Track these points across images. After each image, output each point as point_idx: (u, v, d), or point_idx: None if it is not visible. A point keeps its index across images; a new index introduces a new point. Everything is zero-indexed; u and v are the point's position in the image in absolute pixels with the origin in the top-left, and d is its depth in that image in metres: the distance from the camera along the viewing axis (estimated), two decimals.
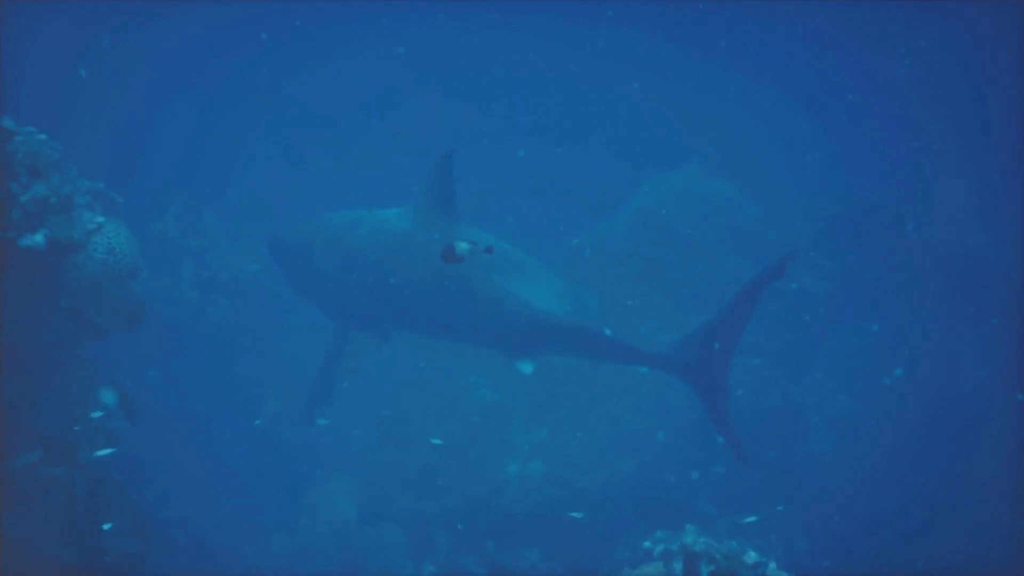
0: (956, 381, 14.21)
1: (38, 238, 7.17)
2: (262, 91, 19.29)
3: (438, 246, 9.54)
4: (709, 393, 9.19)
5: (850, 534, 12.86)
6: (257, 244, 12.73)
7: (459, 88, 19.44)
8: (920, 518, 12.99)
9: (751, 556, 6.65)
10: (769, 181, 16.12)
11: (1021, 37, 14.85)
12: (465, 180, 10.21)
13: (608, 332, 9.47)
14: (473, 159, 14.23)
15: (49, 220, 7.28)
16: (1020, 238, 14.46)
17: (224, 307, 14.78)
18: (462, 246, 6.33)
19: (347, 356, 11.53)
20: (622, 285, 14.84)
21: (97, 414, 8.15)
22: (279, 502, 14.29)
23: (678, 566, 6.87)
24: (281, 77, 19.45)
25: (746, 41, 18.32)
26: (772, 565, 6.33)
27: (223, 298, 14.80)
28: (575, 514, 12.15)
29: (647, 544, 8.13)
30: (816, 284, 14.69)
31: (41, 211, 7.27)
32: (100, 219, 7.52)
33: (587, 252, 15.18)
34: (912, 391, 14.29)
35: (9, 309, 7.44)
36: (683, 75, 19.33)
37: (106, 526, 7.79)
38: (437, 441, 12.74)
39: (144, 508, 8.60)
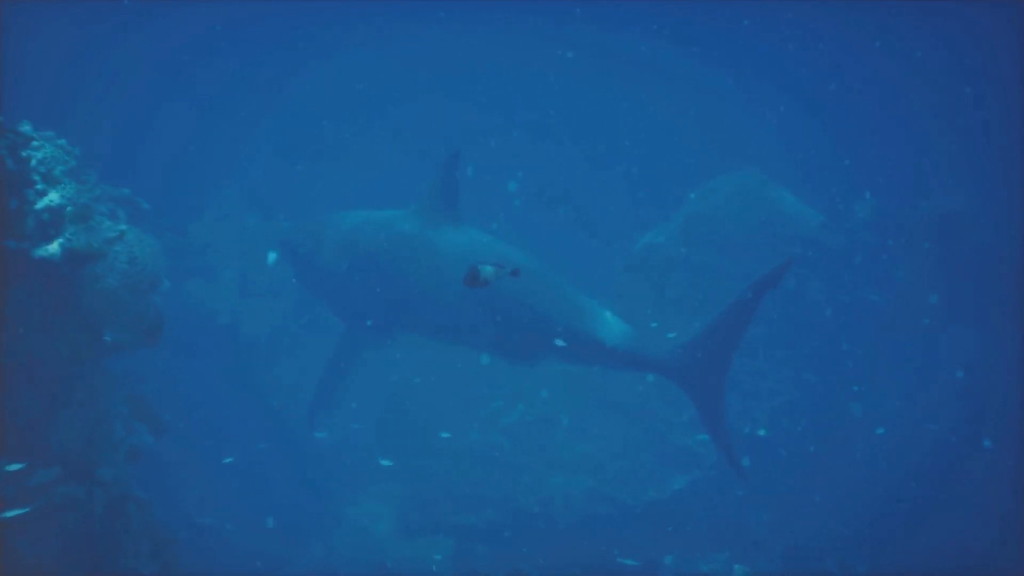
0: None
1: (53, 248, 6.83)
2: (262, 91, 19.21)
3: (442, 246, 9.77)
4: (704, 400, 9.17)
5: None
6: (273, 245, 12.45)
7: (460, 89, 19.31)
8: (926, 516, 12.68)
9: None
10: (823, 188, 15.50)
11: (1021, 37, 14.54)
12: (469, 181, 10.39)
13: (603, 336, 9.35)
14: (476, 160, 14.35)
15: (66, 229, 6.93)
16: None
17: (263, 311, 14.50)
18: (487, 270, 5.76)
19: (359, 359, 11.16)
20: (673, 293, 14.32)
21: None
22: (316, 511, 13.98)
23: None
24: (281, 77, 19.39)
25: (749, 43, 18.05)
26: None
27: (262, 302, 14.51)
28: None
29: None
30: (878, 295, 13.97)
31: (57, 220, 6.93)
32: (122, 227, 7.16)
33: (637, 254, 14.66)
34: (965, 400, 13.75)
35: (24, 321, 7.12)
36: (690, 79, 19.12)
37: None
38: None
39: (167, 527, 8.25)
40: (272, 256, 12.09)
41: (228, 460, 11.90)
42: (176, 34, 16.99)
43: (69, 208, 6.97)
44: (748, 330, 9.12)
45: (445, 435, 12.62)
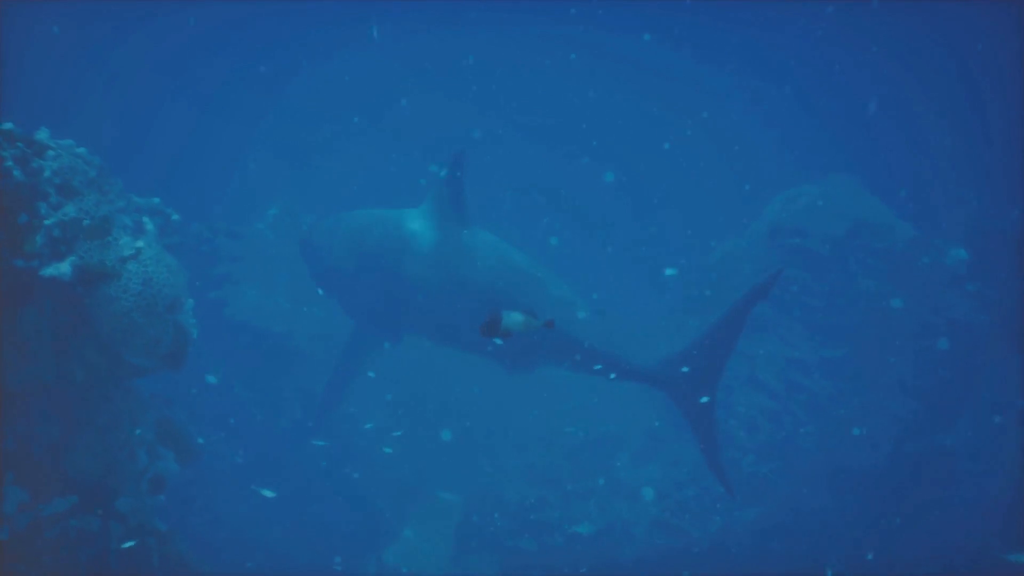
0: None
1: (64, 267, 6.30)
2: (262, 91, 19.13)
3: (448, 248, 9.68)
4: (694, 413, 8.91)
5: None
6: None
7: (462, 90, 19.21)
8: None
9: None
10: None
11: (1021, 37, 14.39)
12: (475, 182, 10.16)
13: (596, 343, 9.23)
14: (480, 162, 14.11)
15: (80, 245, 6.41)
16: None
17: (317, 319, 13.99)
18: (513, 319, 4.87)
19: (367, 360, 11.30)
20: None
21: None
22: (368, 528, 13.47)
23: None
24: (281, 77, 19.31)
25: (749, 41, 17.86)
26: None
27: (316, 309, 13.99)
28: None
29: None
30: (975, 316, 12.84)
31: (70, 235, 6.41)
32: (139, 244, 6.59)
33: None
34: None
35: (38, 343, 6.63)
36: (690, 79, 18.96)
37: None
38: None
39: (192, 562, 7.74)
40: None
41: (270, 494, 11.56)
42: (176, 34, 16.91)
43: (86, 221, 6.45)
44: (736, 344, 8.88)
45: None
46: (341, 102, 19.47)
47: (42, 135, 6.67)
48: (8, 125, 6.43)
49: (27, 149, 6.36)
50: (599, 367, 9.25)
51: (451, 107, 19.03)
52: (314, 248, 11.12)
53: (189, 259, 13.57)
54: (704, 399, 8.82)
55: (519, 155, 18.64)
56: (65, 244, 6.38)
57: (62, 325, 6.64)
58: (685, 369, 8.84)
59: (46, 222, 6.31)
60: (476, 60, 18.66)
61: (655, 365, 9.06)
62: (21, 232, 6.26)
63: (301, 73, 19.28)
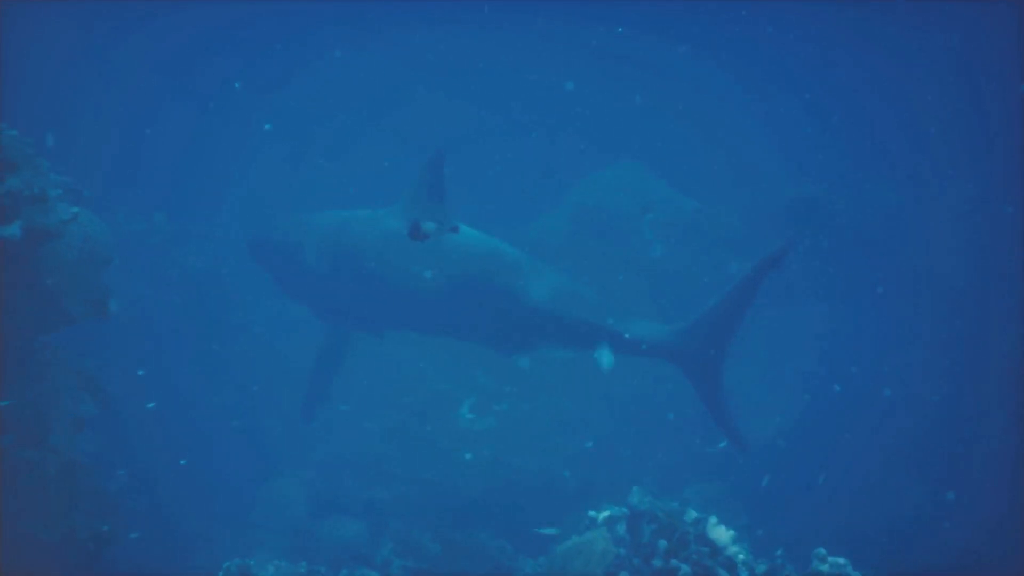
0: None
1: (13, 229, 7.49)
2: (262, 91, 19.22)
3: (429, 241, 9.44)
4: (707, 384, 9.15)
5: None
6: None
7: (463, 89, 19.27)
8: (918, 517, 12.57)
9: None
10: None
11: (1021, 37, 14.42)
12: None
13: (605, 322, 9.46)
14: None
15: (25, 211, 7.60)
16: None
17: None
18: (428, 226, 6.61)
19: (346, 355, 11.62)
20: None
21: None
22: None
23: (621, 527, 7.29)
24: (281, 77, 19.41)
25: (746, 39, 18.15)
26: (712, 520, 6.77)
27: None
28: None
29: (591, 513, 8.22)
30: None
31: (15, 203, 7.59)
32: (75, 209, 7.88)
33: None
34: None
35: None
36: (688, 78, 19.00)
37: None
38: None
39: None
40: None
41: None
42: (176, 34, 17.19)
43: (27, 192, 7.65)
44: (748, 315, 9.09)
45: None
46: (343, 102, 19.66)
47: None
48: None
49: None
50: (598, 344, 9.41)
51: (460, 107, 19.16)
52: (280, 249, 11.23)
53: None
54: (718, 374, 9.06)
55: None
56: (12, 210, 7.57)
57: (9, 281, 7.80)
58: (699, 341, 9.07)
59: None
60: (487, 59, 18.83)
61: (670, 339, 9.22)
62: None
63: (304, 73, 19.52)
